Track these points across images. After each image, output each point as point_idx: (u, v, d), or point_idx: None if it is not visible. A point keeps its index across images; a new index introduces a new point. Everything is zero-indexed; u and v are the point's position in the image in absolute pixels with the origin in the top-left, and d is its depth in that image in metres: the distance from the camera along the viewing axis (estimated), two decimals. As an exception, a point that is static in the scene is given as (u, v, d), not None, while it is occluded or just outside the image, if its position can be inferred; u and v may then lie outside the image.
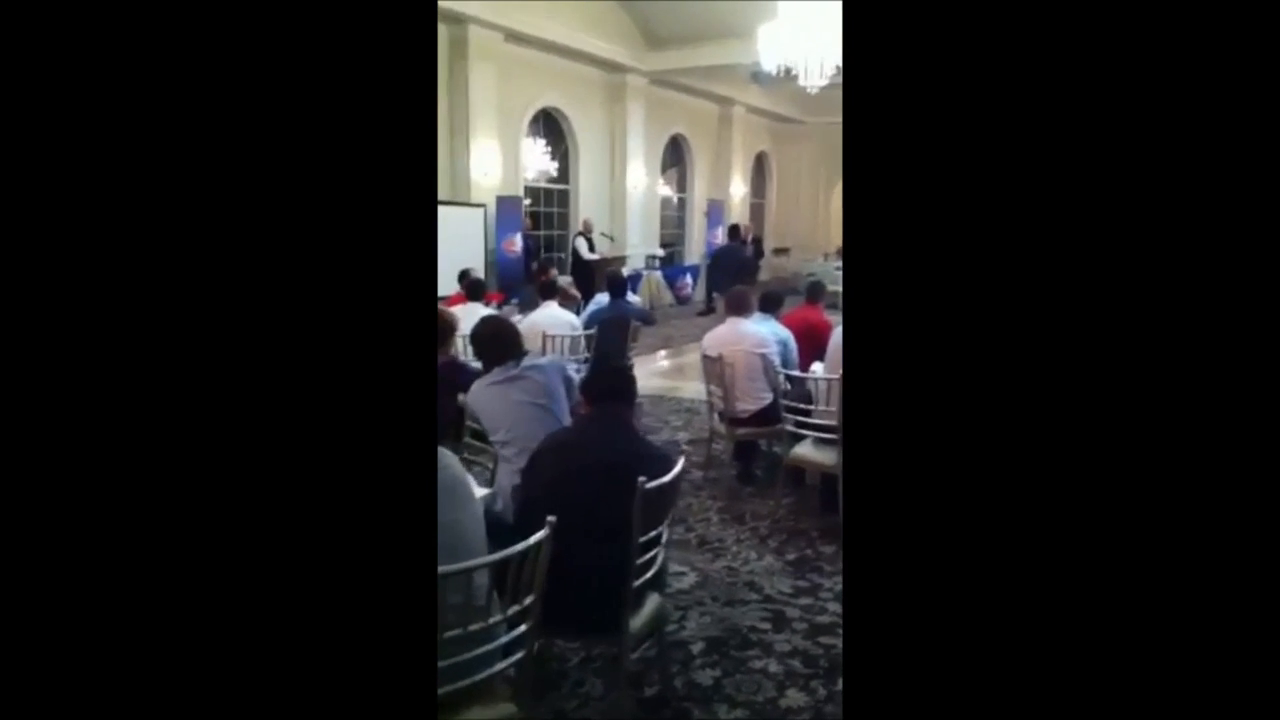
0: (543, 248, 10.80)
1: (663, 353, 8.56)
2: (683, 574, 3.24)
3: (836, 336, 3.83)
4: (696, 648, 2.68)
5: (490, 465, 2.84)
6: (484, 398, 2.72)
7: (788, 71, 7.70)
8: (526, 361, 2.78)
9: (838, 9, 6.90)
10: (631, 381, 2.32)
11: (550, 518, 1.78)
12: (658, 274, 12.21)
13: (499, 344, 2.79)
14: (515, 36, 9.44)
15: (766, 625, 2.82)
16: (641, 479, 2.00)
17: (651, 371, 7.45)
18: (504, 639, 1.76)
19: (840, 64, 7.26)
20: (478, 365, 4.30)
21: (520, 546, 1.72)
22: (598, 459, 2.16)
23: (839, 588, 3.10)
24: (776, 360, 4.00)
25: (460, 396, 2.85)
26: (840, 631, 2.76)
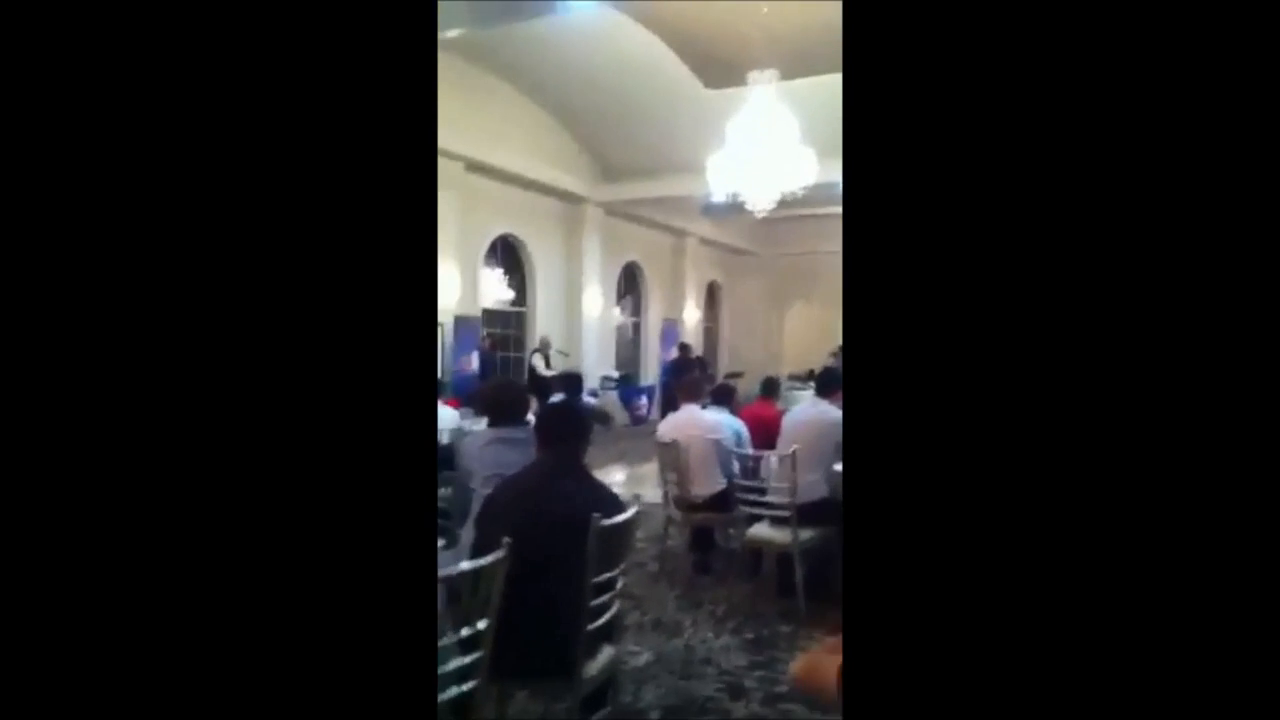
0: (498, 367, 10.89)
1: (619, 465, 8.56)
2: (638, 653, 3.16)
3: (786, 418, 3.93)
4: (653, 715, 2.60)
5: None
6: (486, 453, 2.74)
7: (736, 198, 8.12)
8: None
9: (782, 137, 7.40)
10: (584, 421, 2.35)
11: (506, 539, 1.79)
12: (613, 394, 12.33)
13: (504, 404, 2.89)
14: (476, 166, 9.86)
15: (723, 694, 2.76)
16: (596, 515, 2.02)
17: (608, 483, 7.42)
18: (454, 664, 1.72)
19: (785, 191, 7.70)
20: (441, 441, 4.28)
21: (472, 565, 1.72)
22: (552, 502, 2.17)
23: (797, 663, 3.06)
24: (731, 446, 4.07)
25: None
26: (797, 700, 2.71)
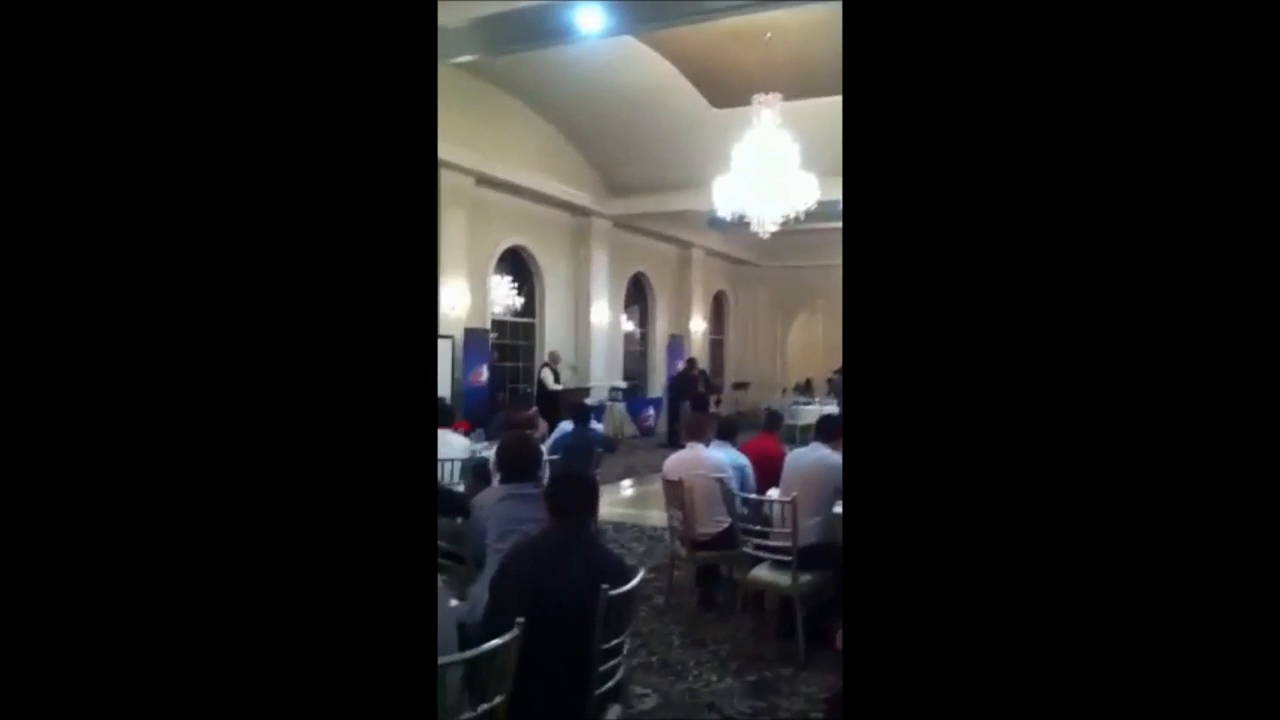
0: (509, 379, 11.02)
1: (627, 481, 8.66)
2: (645, 696, 3.28)
3: (787, 461, 4.04)
4: (658, 764, 2.72)
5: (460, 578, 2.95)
6: (499, 508, 2.89)
7: (741, 218, 8.22)
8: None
9: (785, 161, 7.49)
10: (595, 492, 2.48)
11: (519, 619, 1.91)
12: (621, 405, 12.47)
13: (521, 461, 3.04)
14: (485, 180, 9.98)
15: (726, 742, 2.87)
16: (604, 586, 2.14)
17: (616, 500, 7.54)
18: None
19: (788, 213, 7.79)
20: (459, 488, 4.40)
21: (490, 645, 1.84)
22: (562, 574, 2.29)
23: (796, 707, 3.18)
24: (735, 485, 4.18)
25: None
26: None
